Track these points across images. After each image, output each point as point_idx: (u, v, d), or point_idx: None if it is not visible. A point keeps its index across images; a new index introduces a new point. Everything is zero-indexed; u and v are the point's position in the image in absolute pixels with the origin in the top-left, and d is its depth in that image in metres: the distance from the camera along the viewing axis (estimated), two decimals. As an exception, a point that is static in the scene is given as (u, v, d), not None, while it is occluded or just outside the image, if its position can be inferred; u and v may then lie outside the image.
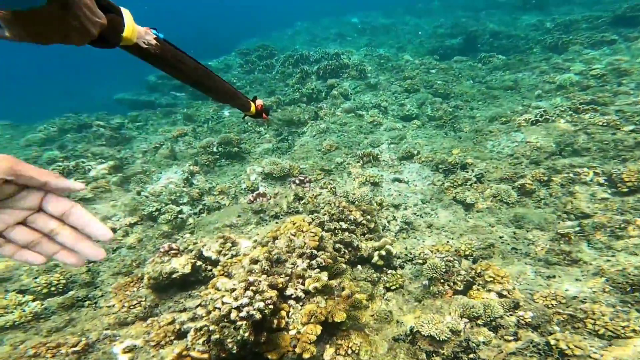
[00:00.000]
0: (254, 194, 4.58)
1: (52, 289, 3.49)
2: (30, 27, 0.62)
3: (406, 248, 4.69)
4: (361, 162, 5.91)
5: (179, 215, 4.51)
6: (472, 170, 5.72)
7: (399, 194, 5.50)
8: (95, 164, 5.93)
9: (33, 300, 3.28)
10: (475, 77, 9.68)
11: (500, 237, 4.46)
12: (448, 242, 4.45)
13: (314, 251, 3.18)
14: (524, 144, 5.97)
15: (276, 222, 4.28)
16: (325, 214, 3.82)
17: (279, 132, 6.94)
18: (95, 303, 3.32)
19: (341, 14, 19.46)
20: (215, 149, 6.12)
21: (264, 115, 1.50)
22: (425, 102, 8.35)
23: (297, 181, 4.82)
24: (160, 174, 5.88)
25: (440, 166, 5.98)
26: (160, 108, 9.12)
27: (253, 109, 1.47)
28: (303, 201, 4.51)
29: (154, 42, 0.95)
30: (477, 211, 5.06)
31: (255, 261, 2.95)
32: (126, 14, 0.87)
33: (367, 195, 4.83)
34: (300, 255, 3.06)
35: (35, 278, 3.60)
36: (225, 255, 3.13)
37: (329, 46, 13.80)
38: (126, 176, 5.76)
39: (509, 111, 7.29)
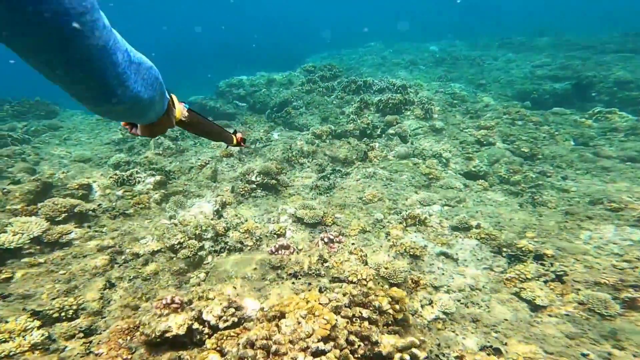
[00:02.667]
0: (277, 245, 4.44)
1: (63, 314, 3.56)
2: (150, 129, 1.08)
3: (439, 345, 4.08)
4: (404, 223, 5.41)
5: (199, 253, 4.58)
6: (552, 265, 4.82)
7: (443, 273, 4.88)
8: (146, 176, 6.33)
9: (38, 328, 3.29)
10: (580, 136, 8.33)
11: (584, 356, 3.55)
12: (498, 350, 3.72)
13: (321, 345, 2.86)
14: (644, 245, 4.80)
15: (292, 283, 4.06)
16: (347, 295, 3.47)
17: (322, 168, 6.81)
18: (90, 342, 3.34)
19: (421, 40, 19.07)
20: (254, 178, 6.22)
21: (242, 143, 1.97)
22: (500, 160, 7.48)
23: (326, 239, 4.56)
24: (196, 198, 6.08)
25: (505, 249, 5.20)
26: (220, 120, 9.77)
27: (235, 140, 1.90)
28: (327, 264, 4.23)
29: (187, 114, 1.23)
30: (550, 315, 4.20)
31: (251, 344, 2.74)
32: (175, 99, 1.16)
33: (402, 272, 4.34)
34: (303, 349, 2.77)
35: (53, 299, 3.72)
36: (225, 321, 3.00)
37: (399, 73, 13.49)
38: (167, 193, 6.05)
39: (625, 195, 6.01)
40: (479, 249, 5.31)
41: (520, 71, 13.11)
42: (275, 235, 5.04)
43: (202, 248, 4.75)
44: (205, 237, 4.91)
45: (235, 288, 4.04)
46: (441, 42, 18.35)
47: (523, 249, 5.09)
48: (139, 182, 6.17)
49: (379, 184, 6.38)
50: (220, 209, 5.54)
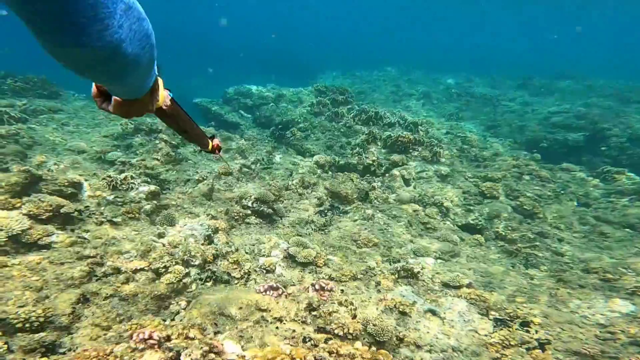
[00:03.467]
0: (266, 286, 4.69)
1: (27, 325, 3.52)
2: (126, 107, 0.94)
3: (413, 410, 4.35)
4: (396, 275, 5.72)
5: (183, 280, 4.68)
6: (536, 332, 5.16)
7: (428, 332, 5.17)
8: (140, 182, 6.25)
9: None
10: (584, 197, 8.66)
11: None
12: None
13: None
14: (631, 318, 5.12)
15: (276, 327, 4.32)
16: (333, 354, 3.75)
17: (321, 202, 7.11)
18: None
19: (439, 70, 19.76)
20: (250, 204, 6.45)
21: (217, 151, 1.96)
22: (500, 216, 7.86)
23: (317, 286, 4.83)
24: (189, 215, 6.15)
25: (492, 313, 5.51)
26: (222, 130, 9.99)
27: (210, 146, 1.90)
28: (314, 313, 4.50)
29: (169, 103, 1.17)
30: (524, 384, 4.53)
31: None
32: (160, 83, 1.07)
33: (389, 329, 4.62)
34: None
35: (21, 306, 3.67)
36: (204, 366, 3.23)
37: (410, 104, 14.03)
38: (160, 205, 6.08)
39: (620, 265, 6.28)
40: (467, 310, 5.61)
41: (535, 116, 13.33)
42: (264, 271, 5.30)
43: (187, 275, 4.88)
44: (192, 263, 5.03)
45: (216, 325, 4.28)
46: (459, 75, 19.01)
47: (511, 314, 5.41)
48: (132, 188, 6.12)
49: (375, 227, 6.69)
50: (212, 234, 5.70)
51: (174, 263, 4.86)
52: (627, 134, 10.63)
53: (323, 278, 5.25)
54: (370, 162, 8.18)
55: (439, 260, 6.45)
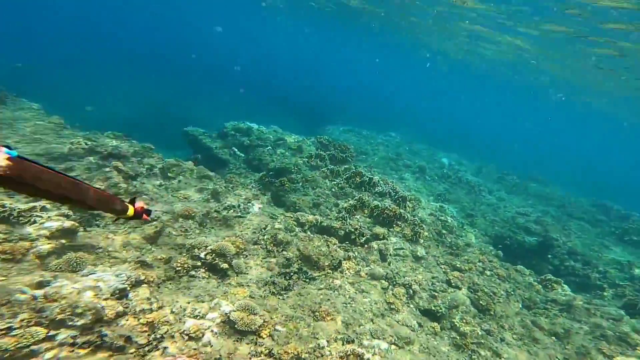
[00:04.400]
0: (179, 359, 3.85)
1: None
2: None
3: None
4: (344, 359, 5.71)
5: (32, 346, 3.47)
6: None
7: None
8: (54, 215, 4.94)
9: None
10: (528, 301, 9.34)
11: None
12: None
13: None
14: None
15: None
16: None
17: (289, 263, 6.91)
18: None
19: (438, 144, 21.23)
20: (202, 255, 5.57)
21: (144, 216, 1.53)
22: (459, 307, 8.08)
23: (251, 365, 4.29)
24: (112, 260, 5.01)
25: (429, 417, 5.51)
26: (202, 166, 9.40)
27: (131, 211, 1.50)
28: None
29: (5, 162, 0.92)
30: None
31: None
32: None
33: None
34: None
35: None
36: None
37: (406, 176, 14.78)
38: (71, 245, 4.85)
39: None
40: (406, 408, 5.58)
41: (505, 213, 14.99)
42: (185, 336, 4.41)
43: (50, 338, 3.70)
44: (72, 323, 3.85)
45: None
46: (452, 156, 20.47)
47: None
48: (33, 222, 4.81)
49: (339, 300, 6.73)
50: (128, 288, 4.56)
51: (31, 323, 3.69)
52: (567, 247, 12.24)
53: (262, 353, 4.70)
54: (353, 229, 8.42)
55: (392, 346, 6.48)
